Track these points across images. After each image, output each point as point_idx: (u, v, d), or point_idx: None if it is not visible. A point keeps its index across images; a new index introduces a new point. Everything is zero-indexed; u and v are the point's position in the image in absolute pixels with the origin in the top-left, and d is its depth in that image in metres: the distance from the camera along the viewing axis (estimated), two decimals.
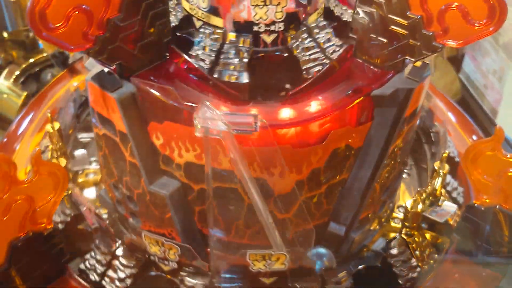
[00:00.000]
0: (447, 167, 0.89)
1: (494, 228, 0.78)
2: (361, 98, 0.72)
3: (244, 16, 0.72)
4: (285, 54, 0.75)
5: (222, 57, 0.75)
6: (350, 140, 0.74)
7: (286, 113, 0.71)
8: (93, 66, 0.72)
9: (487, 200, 0.78)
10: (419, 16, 0.68)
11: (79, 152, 1.01)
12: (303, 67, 0.74)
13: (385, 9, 0.71)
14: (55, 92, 1.10)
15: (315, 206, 0.78)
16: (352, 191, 0.80)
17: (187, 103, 0.68)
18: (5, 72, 1.66)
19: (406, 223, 0.88)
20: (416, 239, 0.87)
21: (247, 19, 0.72)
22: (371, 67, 0.76)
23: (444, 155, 0.89)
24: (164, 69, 0.74)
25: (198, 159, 0.72)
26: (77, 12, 0.61)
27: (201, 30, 0.76)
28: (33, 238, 0.69)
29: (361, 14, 0.73)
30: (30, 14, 0.57)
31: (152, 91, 0.70)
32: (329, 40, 0.77)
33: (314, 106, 0.72)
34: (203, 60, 0.74)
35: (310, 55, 0.76)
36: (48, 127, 0.89)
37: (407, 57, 0.72)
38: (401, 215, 0.93)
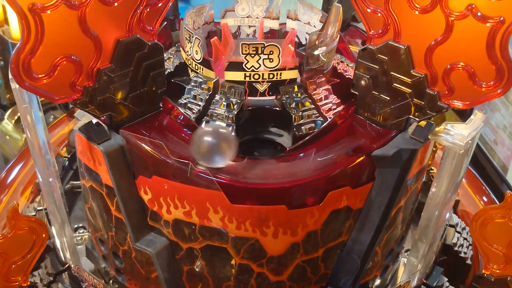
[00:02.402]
0: None
1: None
2: (362, 157, 0.68)
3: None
4: (277, 109, 0.72)
5: (211, 107, 0.73)
6: (349, 202, 0.69)
7: (282, 170, 0.68)
8: (83, 116, 0.69)
9: (497, 271, 0.72)
10: (423, 75, 0.65)
11: None
12: (295, 123, 0.72)
13: (388, 66, 0.68)
14: (51, 137, 1.07)
15: (311, 270, 0.73)
16: (352, 255, 0.75)
17: (177, 159, 0.65)
18: (8, 112, 1.66)
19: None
20: None
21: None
22: (373, 124, 0.73)
23: None
24: (156, 121, 0.71)
25: (187, 216, 0.68)
26: (64, 62, 0.58)
27: (194, 78, 0.74)
28: None
29: (364, 70, 0.71)
30: (13, 63, 0.54)
31: (142, 144, 0.67)
32: (326, 97, 0.74)
33: (312, 164, 0.68)
34: (190, 109, 0.72)
35: (303, 111, 0.73)
36: None
37: (410, 116, 0.69)
38: None
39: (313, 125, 0.72)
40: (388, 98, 0.70)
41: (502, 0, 0.57)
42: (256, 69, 0.71)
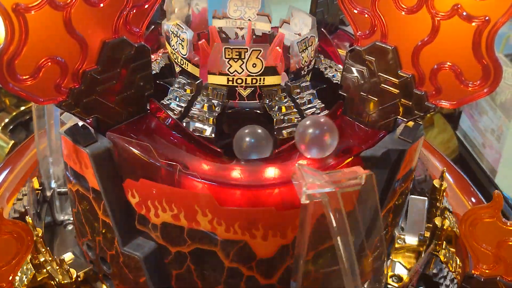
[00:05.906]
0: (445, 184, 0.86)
1: None
2: (351, 158, 0.68)
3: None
4: (258, 111, 0.72)
5: (192, 108, 0.72)
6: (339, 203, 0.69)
7: (270, 172, 0.67)
8: (69, 119, 0.69)
9: (487, 271, 0.72)
10: (410, 75, 0.66)
11: None
12: (276, 127, 0.71)
13: (375, 66, 0.68)
14: (40, 144, 1.06)
15: (301, 274, 0.73)
16: (342, 258, 0.74)
17: (165, 161, 0.64)
18: None
19: (435, 241, 0.83)
20: (444, 252, 0.86)
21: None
22: (362, 125, 0.73)
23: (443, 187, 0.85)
24: (144, 123, 0.71)
25: (175, 219, 0.67)
26: (49, 64, 0.58)
27: (178, 80, 0.74)
28: None
29: (351, 71, 0.71)
30: None
31: (130, 147, 0.66)
32: (310, 101, 0.74)
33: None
34: (172, 110, 0.72)
35: (284, 115, 0.72)
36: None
37: (398, 116, 0.69)
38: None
39: (294, 129, 0.71)
40: (376, 99, 0.70)
41: (487, 0, 0.58)
42: (239, 73, 0.71)
